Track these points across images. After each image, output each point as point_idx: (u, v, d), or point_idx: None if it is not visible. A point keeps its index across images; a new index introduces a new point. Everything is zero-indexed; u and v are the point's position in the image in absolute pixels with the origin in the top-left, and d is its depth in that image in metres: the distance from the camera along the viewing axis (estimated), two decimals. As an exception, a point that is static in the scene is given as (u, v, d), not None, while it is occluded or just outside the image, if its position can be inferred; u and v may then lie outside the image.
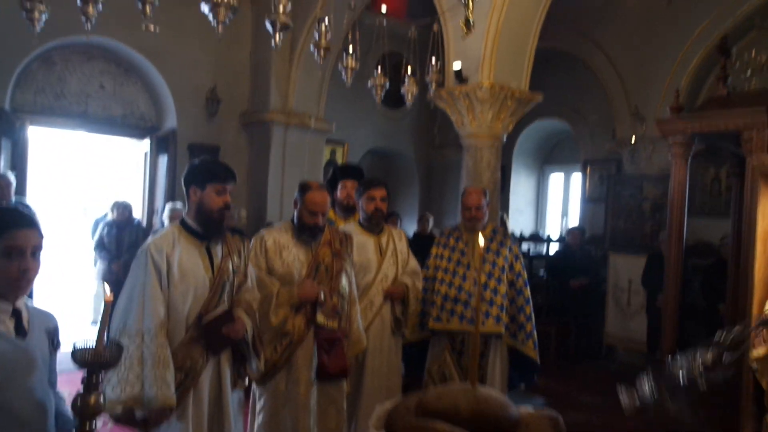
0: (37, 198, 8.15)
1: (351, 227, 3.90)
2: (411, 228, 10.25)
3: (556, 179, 10.54)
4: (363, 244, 3.81)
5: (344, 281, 3.31)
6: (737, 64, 4.58)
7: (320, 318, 3.14)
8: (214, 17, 3.92)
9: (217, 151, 7.95)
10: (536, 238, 9.43)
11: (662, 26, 7.31)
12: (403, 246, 3.98)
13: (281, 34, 4.19)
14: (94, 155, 9.96)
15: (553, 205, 10.58)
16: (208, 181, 2.66)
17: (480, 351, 4.03)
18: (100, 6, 3.77)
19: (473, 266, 4.06)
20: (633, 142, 7.36)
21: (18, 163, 6.77)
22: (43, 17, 3.77)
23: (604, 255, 7.85)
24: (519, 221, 9.96)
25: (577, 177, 9.76)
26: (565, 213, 10.22)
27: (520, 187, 10.17)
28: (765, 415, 2.87)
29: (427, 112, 9.65)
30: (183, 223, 2.74)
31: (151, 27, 3.70)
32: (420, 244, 5.64)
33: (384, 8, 7.69)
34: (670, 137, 3.38)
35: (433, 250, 4.23)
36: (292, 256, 3.19)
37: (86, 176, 10.43)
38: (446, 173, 10.39)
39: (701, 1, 6.99)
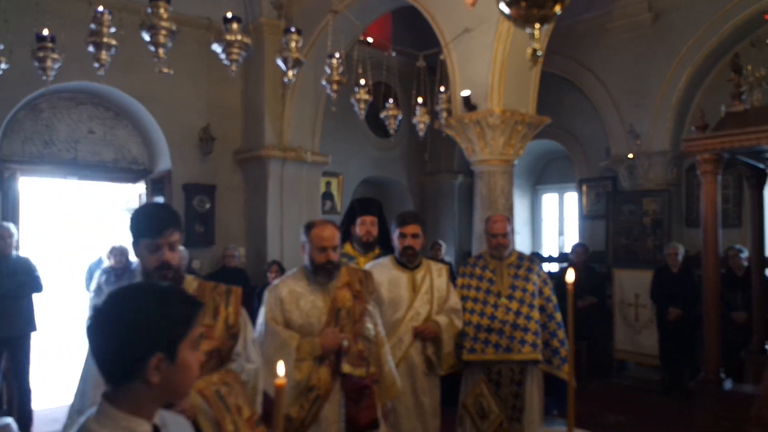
0: (33, 250, 7.85)
1: (386, 261, 3.83)
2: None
3: (549, 199, 10.63)
4: (396, 279, 3.72)
5: (369, 323, 3.07)
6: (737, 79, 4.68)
7: (346, 367, 2.91)
8: (227, 56, 3.89)
9: (212, 189, 7.84)
10: (536, 257, 9.44)
11: (649, 45, 7.51)
12: (442, 282, 3.81)
13: (293, 70, 4.20)
14: (86, 201, 9.73)
15: (547, 225, 10.65)
16: (138, 236, 2.14)
17: (517, 379, 3.97)
18: (113, 51, 3.71)
19: (503, 294, 4.02)
20: (631, 158, 7.47)
21: (9, 216, 6.56)
22: (56, 65, 3.70)
23: (608, 271, 7.88)
24: (517, 242, 9.96)
25: (570, 196, 9.86)
26: (561, 232, 10.29)
27: (516, 207, 10.21)
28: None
29: (417, 141, 9.71)
30: None
31: (165, 69, 3.62)
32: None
33: (371, 39, 7.77)
34: (699, 155, 3.41)
35: (459, 281, 4.16)
36: (310, 304, 2.96)
37: (78, 223, 10.15)
38: (439, 199, 10.43)
39: (685, 20, 7.22)
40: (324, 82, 4.46)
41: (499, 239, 4.03)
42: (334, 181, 9.17)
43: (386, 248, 4.10)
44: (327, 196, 9.07)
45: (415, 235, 3.70)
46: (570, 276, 1.67)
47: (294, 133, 7.84)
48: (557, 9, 2.00)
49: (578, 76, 8.31)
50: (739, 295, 5.95)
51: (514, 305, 3.97)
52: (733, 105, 3.86)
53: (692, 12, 7.18)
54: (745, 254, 6.04)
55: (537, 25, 1.97)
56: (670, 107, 7.43)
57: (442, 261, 7.77)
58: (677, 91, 7.34)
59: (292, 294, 2.95)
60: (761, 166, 4.03)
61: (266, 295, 3.00)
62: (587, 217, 8.91)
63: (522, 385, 3.97)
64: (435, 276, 3.78)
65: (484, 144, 4.97)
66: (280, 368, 1.28)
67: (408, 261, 3.74)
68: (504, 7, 2.09)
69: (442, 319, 3.69)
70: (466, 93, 4.90)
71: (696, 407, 3.47)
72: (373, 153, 9.78)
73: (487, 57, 4.95)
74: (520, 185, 10.35)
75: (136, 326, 1.27)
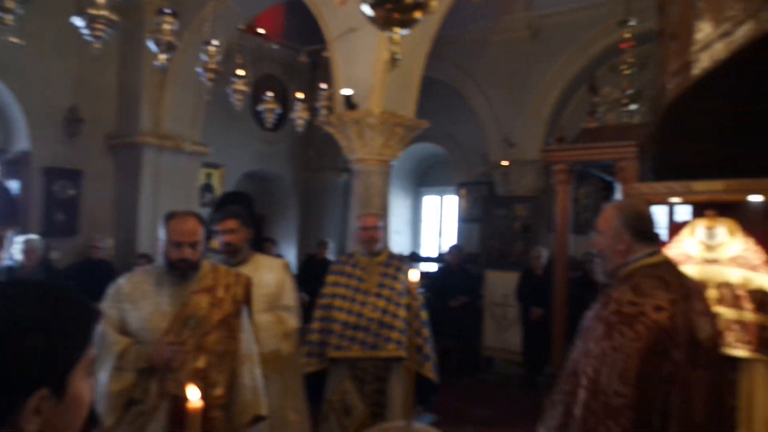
0: None
1: (217, 258, 3.68)
2: (290, 252, 10.09)
3: (430, 201, 10.98)
4: None
5: (223, 336, 2.62)
6: (596, 99, 5.10)
7: (171, 386, 2.47)
8: (90, 32, 3.63)
9: (78, 175, 7.28)
10: (415, 257, 9.71)
11: (526, 60, 7.97)
12: (272, 279, 3.53)
13: (167, 54, 4.00)
14: None
15: (428, 226, 10.99)
16: None
17: (381, 376, 4.04)
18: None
19: (372, 292, 4.07)
20: (505, 165, 7.89)
21: None
22: None
23: (481, 273, 8.27)
24: (397, 242, 10.19)
25: (450, 198, 10.25)
26: (440, 233, 10.66)
27: (398, 208, 10.44)
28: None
29: (304, 136, 9.63)
30: None
31: (14, 39, 3.30)
32: (311, 268, 5.59)
33: (262, 30, 7.60)
34: (555, 165, 3.66)
35: (330, 278, 4.17)
36: (153, 306, 2.57)
37: None
38: (324, 196, 10.41)
39: (560, 39, 7.75)
40: (199, 70, 4.28)
41: (370, 232, 4.06)
42: (215, 173, 8.85)
43: (254, 243, 4.01)
44: (207, 188, 8.74)
45: (231, 231, 3.47)
46: (414, 275, 1.73)
47: (173, 121, 7.48)
48: (418, 15, 2.06)
49: (462, 84, 8.65)
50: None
51: (382, 303, 4.03)
52: (588, 122, 4.19)
53: (565, 34, 7.73)
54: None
55: (397, 29, 2.02)
56: (541, 120, 7.94)
57: (325, 260, 7.76)
58: (549, 105, 7.86)
59: (137, 291, 2.59)
60: (610, 179, 4.40)
61: (108, 289, 2.66)
62: (465, 220, 9.31)
63: (386, 381, 4.05)
64: (264, 272, 3.51)
65: (362, 143, 5.02)
66: (192, 392, 1.09)
67: (229, 257, 3.50)
68: (367, 9, 2.11)
69: (260, 318, 3.37)
70: (347, 92, 4.92)
71: (543, 400, 3.72)
72: (258, 146, 9.56)
73: (370, 58, 5.01)
74: (403, 186, 10.58)
75: (13, 350, 0.83)
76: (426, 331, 4.16)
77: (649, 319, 1.82)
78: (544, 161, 3.83)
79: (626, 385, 1.77)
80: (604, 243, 2.04)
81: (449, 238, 10.15)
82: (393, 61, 2.00)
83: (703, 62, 3.13)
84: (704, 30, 2.79)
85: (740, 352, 2.99)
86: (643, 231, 2.02)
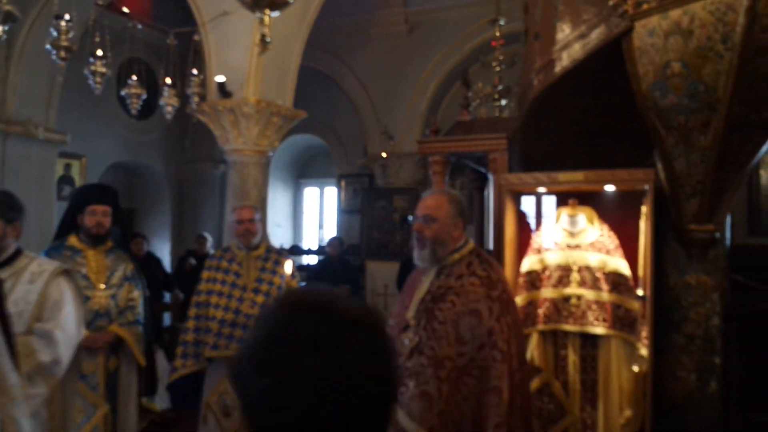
0: None
1: None
2: (164, 248, 9.54)
3: (311, 193, 10.87)
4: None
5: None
6: (469, 94, 5.29)
7: None
8: None
9: None
10: (296, 250, 9.57)
11: (404, 54, 8.11)
12: (31, 291, 2.66)
13: (4, 26, 3.57)
14: None
15: (309, 218, 10.89)
16: None
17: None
18: None
19: (249, 287, 3.93)
20: (384, 157, 7.98)
21: None
22: None
23: (362, 263, 8.34)
24: (278, 234, 9.99)
25: (331, 190, 10.21)
26: (321, 225, 10.60)
27: (278, 201, 10.23)
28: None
29: (178, 124, 9.10)
30: None
31: None
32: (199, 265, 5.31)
33: (127, 9, 7.06)
34: (430, 157, 3.73)
35: (205, 274, 3.97)
36: None
37: None
38: (200, 188, 9.92)
39: (436, 35, 7.96)
40: (49, 47, 3.86)
41: (246, 225, 3.91)
42: (75, 164, 8.10)
43: (120, 242, 3.71)
44: (66, 180, 7.98)
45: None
46: (288, 267, 1.66)
47: (21, 104, 6.73)
48: (290, -3, 1.97)
49: (341, 76, 8.62)
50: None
51: (260, 299, 3.90)
52: (462, 115, 4.32)
53: (441, 30, 7.95)
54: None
55: (267, 11, 1.92)
56: (419, 113, 8.13)
57: (205, 255, 7.36)
58: (426, 99, 8.06)
59: None
60: (483, 170, 4.58)
61: None
62: (345, 212, 9.32)
63: (267, 379, 3.94)
64: (23, 282, 2.66)
65: (237, 133, 4.82)
66: None
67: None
68: (236, -11, 2.00)
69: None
70: (220, 79, 4.69)
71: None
72: (126, 135, 8.88)
73: (245, 44, 4.81)
74: (283, 178, 10.39)
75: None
76: (306, 325, 4.10)
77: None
78: (421, 152, 3.89)
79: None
80: (441, 230, 2.09)
81: (330, 230, 10.12)
82: (263, 44, 1.90)
83: (563, 61, 3.33)
84: (564, 31, 2.96)
85: (599, 329, 3.24)
86: (467, 218, 2.22)
